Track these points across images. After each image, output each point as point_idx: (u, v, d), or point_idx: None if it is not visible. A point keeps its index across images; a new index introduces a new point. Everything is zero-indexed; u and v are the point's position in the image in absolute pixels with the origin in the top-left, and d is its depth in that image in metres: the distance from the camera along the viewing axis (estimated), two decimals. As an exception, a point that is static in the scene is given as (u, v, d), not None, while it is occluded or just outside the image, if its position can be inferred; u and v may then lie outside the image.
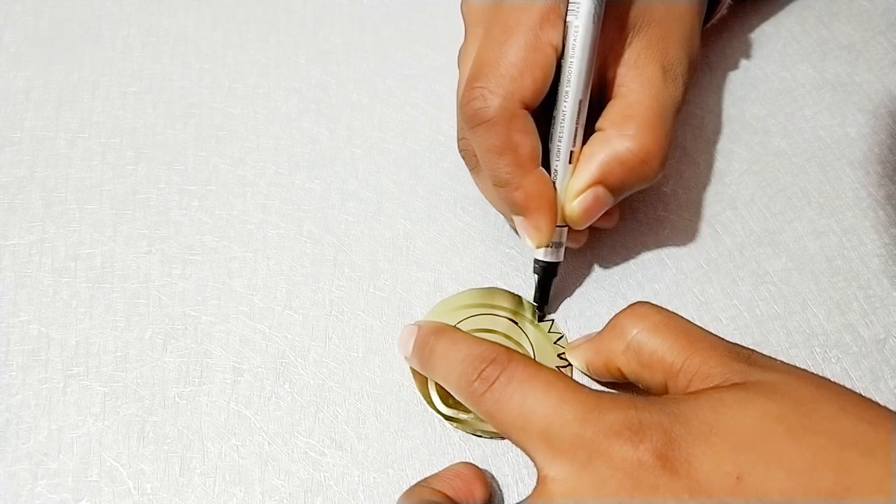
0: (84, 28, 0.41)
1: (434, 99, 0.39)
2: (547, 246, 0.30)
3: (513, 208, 0.29)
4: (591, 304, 0.33)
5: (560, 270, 0.31)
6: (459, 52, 0.32)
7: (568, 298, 0.33)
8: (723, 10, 0.37)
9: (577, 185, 0.29)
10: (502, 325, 0.32)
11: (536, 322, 0.32)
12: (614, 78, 0.30)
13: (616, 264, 0.34)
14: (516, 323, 0.32)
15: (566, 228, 0.30)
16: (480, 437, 0.29)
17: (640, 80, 0.29)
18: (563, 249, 0.31)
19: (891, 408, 0.22)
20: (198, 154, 0.37)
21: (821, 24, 0.41)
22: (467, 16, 0.31)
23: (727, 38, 0.41)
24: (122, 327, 0.32)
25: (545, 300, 0.32)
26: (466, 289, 0.33)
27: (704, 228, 0.35)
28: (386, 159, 0.37)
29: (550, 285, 0.32)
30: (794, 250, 0.34)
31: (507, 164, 0.28)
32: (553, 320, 0.32)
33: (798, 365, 0.31)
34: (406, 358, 0.30)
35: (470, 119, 0.28)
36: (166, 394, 0.30)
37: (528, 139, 0.28)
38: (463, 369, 0.26)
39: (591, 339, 0.28)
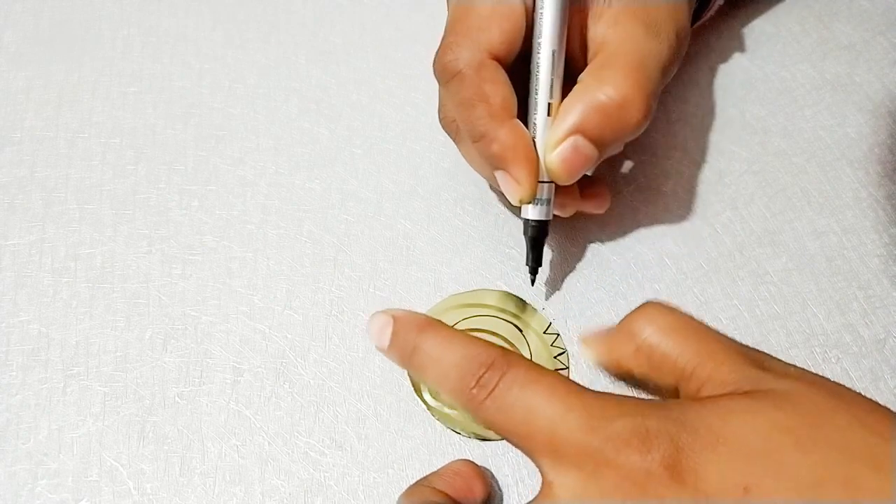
0: (84, 28, 0.41)
1: (434, 99, 0.39)
2: (531, 202, 0.30)
3: (491, 161, 0.29)
4: (591, 304, 0.33)
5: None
6: None
7: (568, 298, 0.33)
8: (712, 11, 0.37)
9: (555, 134, 0.28)
10: (505, 329, 0.32)
11: (542, 332, 0.32)
12: (596, 38, 0.29)
13: (616, 264, 0.34)
14: (521, 331, 0.32)
15: (552, 185, 0.30)
16: (459, 434, 0.29)
17: (620, 36, 0.29)
18: (550, 207, 0.30)
19: (891, 407, 0.22)
20: (198, 154, 0.37)
21: (821, 24, 0.41)
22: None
23: (727, 38, 0.41)
24: (122, 327, 0.32)
25: (538, 262, 0.31)
26: (478, 288, 0.33)
27: (704, 228, 0.35)
28: (386, 159, 0.37)
29: (542, 246, 0.31)
30: (794, 250, 0.34)
31: (480, 116, 0.28)
32: (559, 334, 0.32)
33: (798, 365, 0.31)
34: (380, 349, 0.27)
35: (441, 73, 0.29)
36: (166, 394, 0.30)
37: (499, 89, 0.28)
38: (458, 374, 0.24)
39: (603, 336, 0.27)
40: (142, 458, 0.29)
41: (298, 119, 0.38)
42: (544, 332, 0.32)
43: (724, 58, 0.40)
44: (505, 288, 0.33)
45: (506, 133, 0.28)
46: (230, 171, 0.36)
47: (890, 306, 0.32)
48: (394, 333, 0.26)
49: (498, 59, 0.28)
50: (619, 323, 0.27)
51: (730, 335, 0.32)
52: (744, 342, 0.31)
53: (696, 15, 0.36)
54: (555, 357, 0.31)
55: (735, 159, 0.37)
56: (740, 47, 0.41)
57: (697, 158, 0.37)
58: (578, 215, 0.33)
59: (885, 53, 0.40)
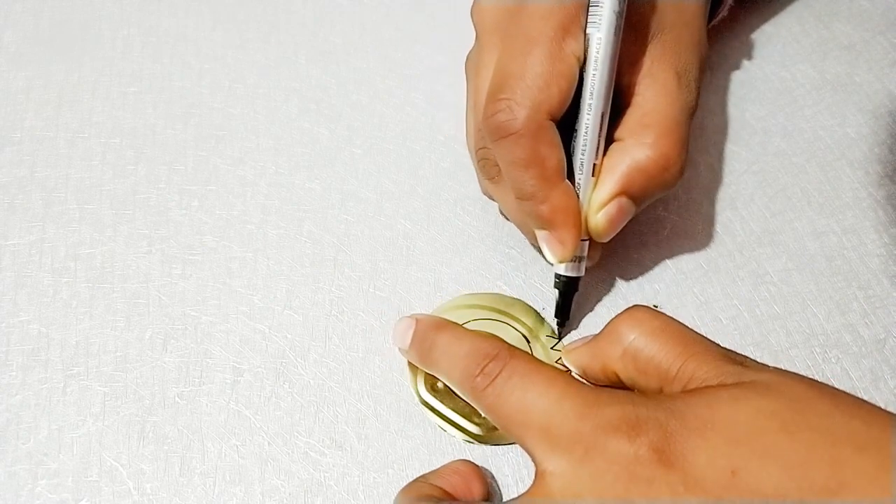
0: (84, 28, 0.41)
1: (434, 99, 0.39)
2: (570, 260, 0.30)
3: (537, 222, 0.29)
4: (591, 304, 0.33)
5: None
6: (468, 58, 0.32)
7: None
8: (724, 12, 0.37)
9: (601, 196, 0.29)
10: (512, 337, 0.31)
11: (550, 348, 0.32)
12: (630, 86, 0.30)
13: (616, 264, 0.34)
14: (528, 343, 0.32)
15: (587, 242, 0.30)
16: (444, 431, 0.29)
17: (655, 88, 0.29)
18: (584, 263, 0.31)
19: (891, 408, 0.22)
20: (198, 154, 0.37)
21: (821, 24, 0.41)
22: (480, 22, 0.31)
23: (727, 38, 0.41)
24: (122, 327, 0.32)
25: (566, 316, 0.31)
26: (497, 293, 0.33)
27: (704, 229, 0.35)
28: (386, 159, 0.37)
29: (572, 300, 0.31)
30: (794, 250, 0.34)
31: (532, 178, 0.28)
32: (560, 339, 0.32)
33: (798, 365, 0.31)
34: (401, 350, 0.30)
35: (495, 131, 0.28)
36: (166, 394, 0.30)
37: (554, 152, 0.28)
38: (465, 364, 0.26)
39: (588, 342, 0.28)
40: (142, 458, 0.29)
41: (298, 119, 0.38)
42: (552, 349, 0.32)
43: (724, 58, 0.40)
44: (505, 288, 0.33)
45: (557, 196, 0.28)
46: (230, 171, 0.36)
47: (890, 306, 0.32)
48: (414, 333, 0.29)
49: (552, 118, 0.28)
50: (605, 327, 0.27)
51: (730, 335, 0.32)
52: (744, 342, 0.32)
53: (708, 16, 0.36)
54: (556, 361, 0.31)
55: (735, 159, 0.37)
56: (740, 47, 0.41)
57: (697, 158, 0.37)
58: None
59: (885, 53, 0.40)
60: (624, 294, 0.33)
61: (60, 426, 0.29)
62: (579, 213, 0.29)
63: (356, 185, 0.36)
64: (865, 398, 0.23)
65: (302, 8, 0.42)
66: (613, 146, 0.30)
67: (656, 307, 0.32)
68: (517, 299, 0.33)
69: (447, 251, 0.34)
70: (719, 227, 0.35)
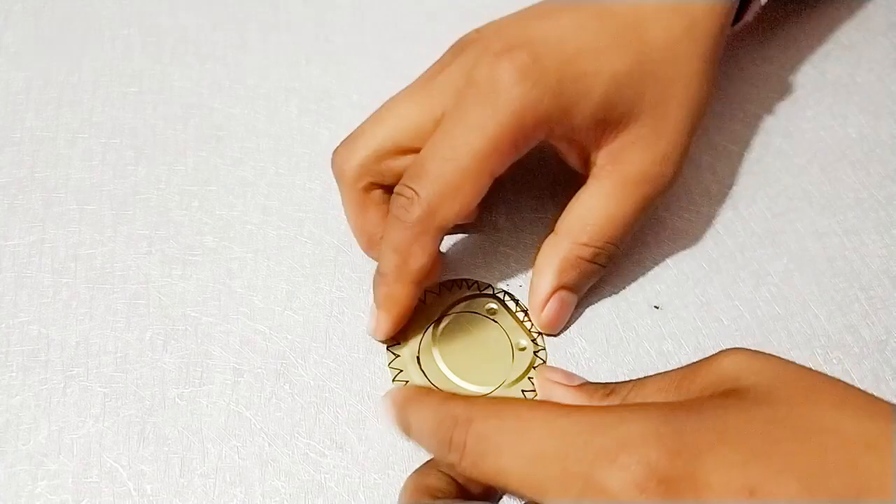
0: (84, 28, 0.41)
1: (435, 99, 0.39)
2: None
3: (376, 294, 0.30)
4: (593, 306, 0.33)
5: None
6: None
7: (569, 299, 0.33)
8: (749, 17, 0.36)
9: (540, 295, 0.31)
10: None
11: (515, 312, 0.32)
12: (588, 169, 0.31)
13: (617, 265, 0.34)
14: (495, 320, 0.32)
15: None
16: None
17: (602, 191, 0.30)
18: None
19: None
20: (198, 154, 0.37)
21: (822, 25, 0.41)
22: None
23: (728, 39, 0.41)
24: (122, 328, 0.32)
25: None
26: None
27: (705, 229, 0.35)
28: (386, 160, 0.37)
29: None
30: (795, 251, 0.34)
31: (395, 264, 0.29)
32: (525, 310, 0.32)
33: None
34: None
35: (391, 213, 0.29)
36: (166, 395, 0.30)
37: (424, 258, 0.29)
38: (437, 443, 0.23)
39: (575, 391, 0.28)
40: (142, 459, 0.29)
41: (299, 119, 0.38)
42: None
43: (726, 59, 0.40)
44: (505, 289, 0.33)
45: (400, 292, 0.29)
46: (230, 172, 0.36)
47: (891, 307, 0.32)
48: (391, 412, 0.25)
49: (441, 228, 0.29)
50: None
51: (731, 336, 0.32)
52: (745, 343, 0.32)
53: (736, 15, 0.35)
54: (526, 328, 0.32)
55: (736, 159, 0.37)
56: (741, 48, 0.41)
57: (698, 159, 0.37)
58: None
59: (886, 54, 0.40)
60: (625, 295, 0.33)
61: (60, 427, 0.29)
62: (404, 318, 0.30)
63: (357, 185, 0.36)
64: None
65: (302, 8, 0.42)
66: (548, 240, 0.31)
67: (657, 308, 0.32)
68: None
69: (446, 252, 0.34)
70: (720, 228, 0.35)
